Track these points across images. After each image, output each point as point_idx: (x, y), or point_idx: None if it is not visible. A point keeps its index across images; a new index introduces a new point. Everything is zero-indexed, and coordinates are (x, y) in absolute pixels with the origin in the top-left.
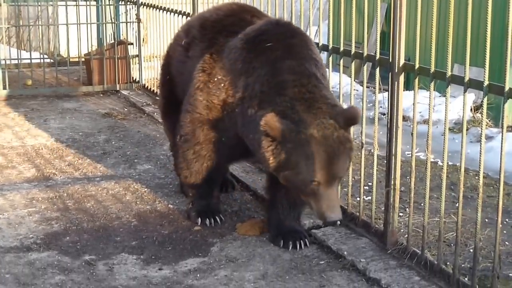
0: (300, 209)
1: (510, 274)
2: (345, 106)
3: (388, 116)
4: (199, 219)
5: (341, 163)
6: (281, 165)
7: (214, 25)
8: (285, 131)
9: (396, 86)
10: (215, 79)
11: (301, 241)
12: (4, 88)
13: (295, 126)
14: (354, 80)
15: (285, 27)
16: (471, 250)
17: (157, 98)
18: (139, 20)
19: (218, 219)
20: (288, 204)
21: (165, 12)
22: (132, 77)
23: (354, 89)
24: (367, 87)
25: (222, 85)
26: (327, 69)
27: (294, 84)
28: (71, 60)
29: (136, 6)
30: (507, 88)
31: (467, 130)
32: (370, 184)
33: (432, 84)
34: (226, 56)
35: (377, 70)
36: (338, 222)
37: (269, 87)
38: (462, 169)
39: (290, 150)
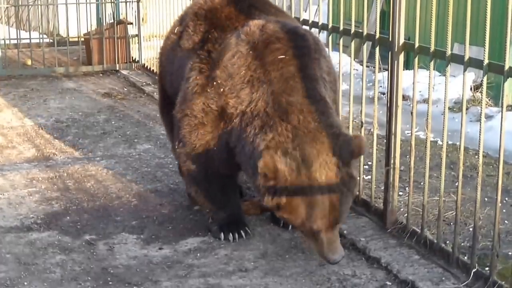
0: None
1: (510, 253)
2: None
3: (388, 95)
4: (222, 234)
5: (344, 208)
6: (279, 207)
7: (208, 15)
8: (285, 173)
9: (396, 65)
10: (214, 83)
11: None
12: (4, 68)
13: (296, 166)
14: (354, 60)
15: (302, 40)
16: (471, 229)
17: (157, 77)
18: None
19: (243, 233)
20: None
21: None
22: (132, 57)
23: (354, 69)
24: (367, 66)
25: (222, 90)
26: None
27: (300, 109)
28: (70, 40)
29: None
30: (507, 67)
31: (467, 109)
32: (370, 163)
33: (432, 63)
34: (228, 59)
35: (377, 49)
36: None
37: (274, 108)
38: (462, 148)
39: (290, 193)
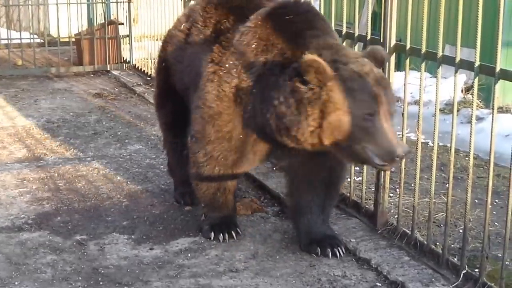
0: (328, 211)
1: (499, 255)
2: None
3: None
4: (212, 234)
5: (391, 94)
6: (324, 111)
7: (218, 8)
8: (326, 68)
9: (387, 67)
10: (226, 65)
11: (339, 248)
12: None
13: (333, 64)
14: None
15: (305, 6)
16: (461, 231)
17: (148, 78)
18: (129, 0)
19: (234, 234)
20: (316, 209)
21: None
22: (123, 57)
23: None
24: None
25: (234, 70)
26: None
27: (319, 40)
28: (61, 40)
29: None
30: (498, 69)
31: (458, 111)
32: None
33: (423, 64)
34: (237, 40)
35: None
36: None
37: (292, 51)
38: (453, 150)
39: (333, 88)
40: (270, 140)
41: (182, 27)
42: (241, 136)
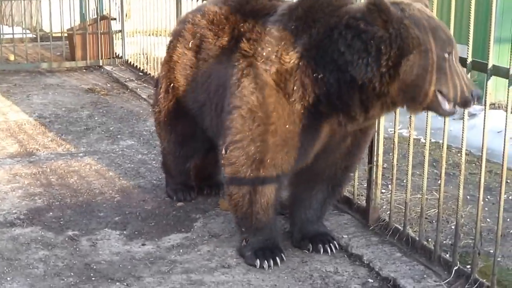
0: (326, 209)
1: (491, 251)
2: None
3: None
4: (258, 261)
5: None
6: (404, 48)
7: (230, 17)
8: (391, 8)
9: None
10: (263, 53)
11: (331, 244)
12: None
13: (396, 6)
14: None
15: None
16: (453, 227)
17: (140, 73)
18: None
19: (278, 260)
20: (317, 205)
21: None
22: (115, 53)
23: None
24: None
25: (274, 55)
26: None
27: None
28: (53, 35)
29: None
30: (490, 65)
31: None
32: None
33: None
34: (268, 31)
35: None
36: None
37: (337, 16)
38: (445, 146)
39: (412, 25)
40: (324, 117)
41: (190, 45)
42: (287, 126)
